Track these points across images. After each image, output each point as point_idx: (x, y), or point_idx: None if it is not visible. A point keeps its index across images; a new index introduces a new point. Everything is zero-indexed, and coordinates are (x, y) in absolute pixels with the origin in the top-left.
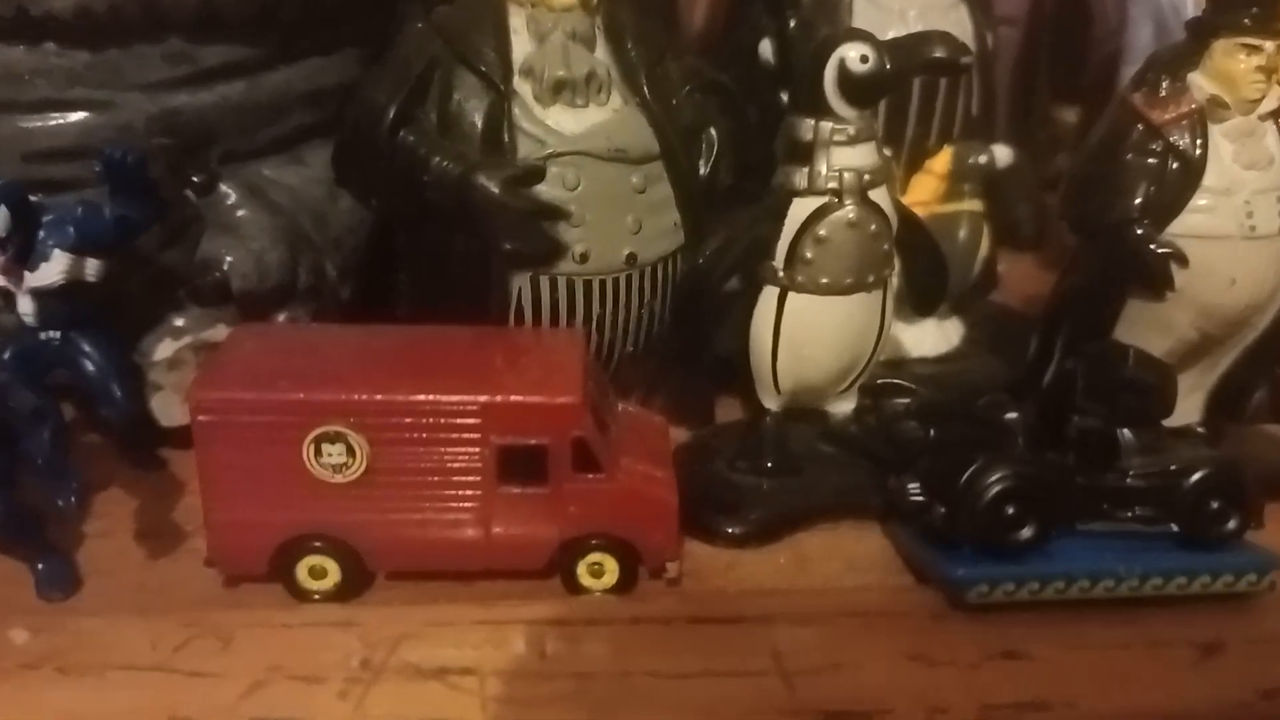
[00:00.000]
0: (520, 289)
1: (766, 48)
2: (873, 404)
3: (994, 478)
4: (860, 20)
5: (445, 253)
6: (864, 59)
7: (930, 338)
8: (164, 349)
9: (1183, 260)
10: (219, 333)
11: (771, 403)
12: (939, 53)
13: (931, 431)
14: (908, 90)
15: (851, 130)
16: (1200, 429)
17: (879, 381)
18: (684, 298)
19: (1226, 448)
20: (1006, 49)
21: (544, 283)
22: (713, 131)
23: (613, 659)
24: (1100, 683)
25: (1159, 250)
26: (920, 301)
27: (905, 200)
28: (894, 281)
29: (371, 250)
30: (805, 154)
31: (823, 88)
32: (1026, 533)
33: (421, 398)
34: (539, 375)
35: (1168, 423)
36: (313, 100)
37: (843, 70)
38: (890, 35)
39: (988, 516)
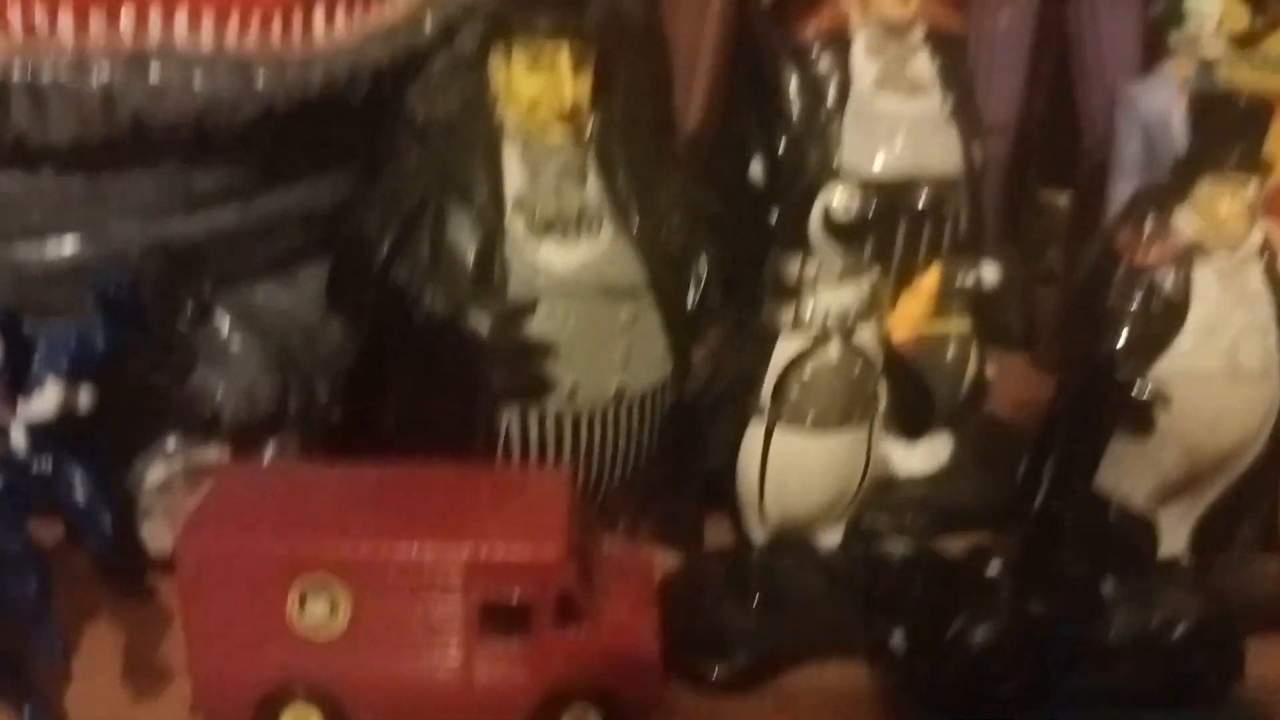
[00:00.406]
0: (508, 424)
1: (756, 168)
2: (861, 547)
3: (978, 634)
4: (849, 141)
5: (433, 385)
6: (848, 205)
7: (919, 456)
8: (155, 473)
9: (1166, 402)
10: (210, 456)
11: (759, 535)
12: (921, 204)
13: (911, 587)
14: (896, 214)
15: (837, 270)
16: (1187, 561)
17: (866, 527)
18: (671, 429)
19: (1216, 579)
20: (995, 156)
21: (532, 418)
22: (702, 259)
23: None
24: None
25: (1142, 393)
26: (907, 431)
27: (892, 320)
28: (879, 414)
29: (364, 369)
30: (790, 292)
31: (808, 229)
32: (1009, 690)
33: (405, 553)
34: (524, 525)
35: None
36: (306, 221)
37: (828, 214)
38: (879, 157)
39: (971, 674)
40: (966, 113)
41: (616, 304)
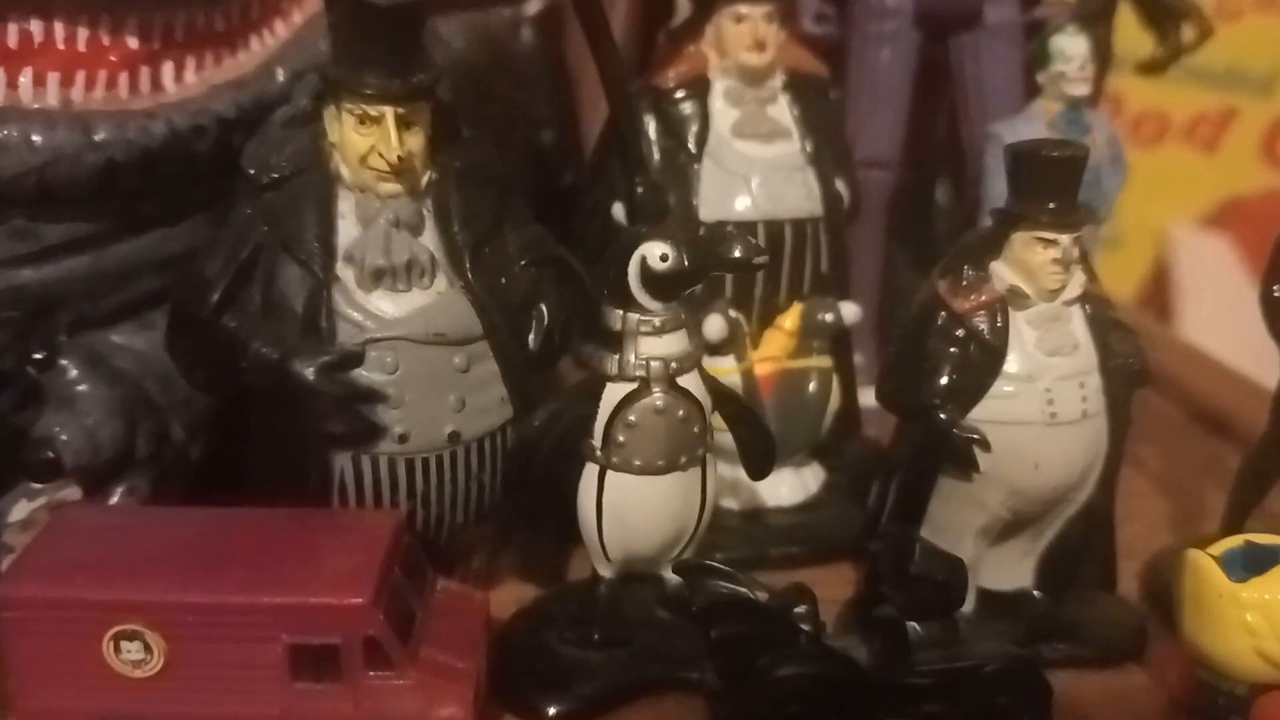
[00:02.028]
0: (342, 469)
1: (619, 210)
2: (687, 587)
3: (777, 676)
4: (707, 185)
5: (269, 431)
6: (664, 257)
7: (786, 486)
8: (18, 511)
9: (985, 445)
10: (74, 493)
11: (605, 570)
12: (736, 253)
13: (713, 632)
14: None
15: (657, 321)
16: (1036, 593)
17: (688, 562)
18: (512, 469)
19: (1069, 611)
20: (878, 191)
21: (365, 462)
22: (543, 306)
23: None
24: None
25: (961, 434)
26: (751, 468)
27: (756, 356)
28: (713, 456)
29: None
30: (615, 342)
31: (627, 282)
32: None
33: (211, 599)
34: (336, 570)
35: (1006, 585)
36: (161, 266)
37: (644, 267)
38: (737, 200)
39: (772, 711)
40: (828, 154)
41: (448, 351)
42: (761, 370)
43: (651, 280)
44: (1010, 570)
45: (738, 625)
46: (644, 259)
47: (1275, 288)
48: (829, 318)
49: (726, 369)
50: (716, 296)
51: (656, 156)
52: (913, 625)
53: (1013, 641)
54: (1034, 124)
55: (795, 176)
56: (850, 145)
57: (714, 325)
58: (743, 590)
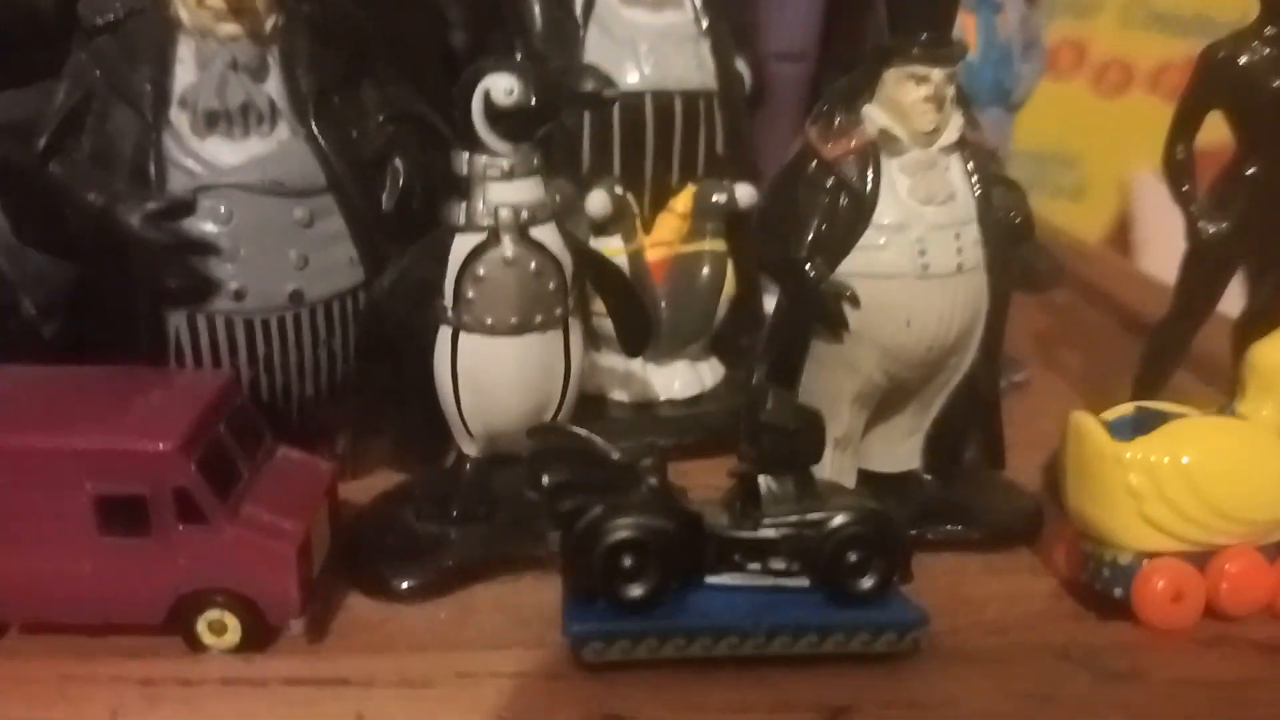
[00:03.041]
0: (177, 329)
1: None
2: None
3: (610, 527)
4: (592, 52)
5: (101, 290)
6: (509, 91)
7: (680, 379)
8: None
9: (854, 300)
10: None
11: (469, 447)
12: (586, 86)
13: (545, 478)
14: (642, 129)
15: (505, 165)
16: (926, 475)
17: (540, 425)
18: (363, 335)
19: (958, 493)
20: (792, 85)
21: (201, 322)
22: (398, 162)
23: None
24: None
25: (829, 289)
26: (625, 341)
27: (649, 241)
28: (577, 321)
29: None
30: (463, 189)
31: (472, 120)
32: (639, 588)
33: (13, 443)
34: (148, 419)
35: (893, 466)
36: (10, 133)
37: (489, 102)
38: (626, 68)
39: (602, 568)
40: (725, 30)
41: (288, 203)
42: (653, 256)
43: (498, 117)
44: (896, 451)
45: (573, 472)
46: (488, 93)
47: (1178, 147)
48: (722, 199)
49: (614, 250)
50: (604, 174)
51: (540, 23)
52: (770, 483)
53: (903, 523)
54: None
55: (686, 46)
56: (760, 35)
57: (597, 200)
58: (593, 446)
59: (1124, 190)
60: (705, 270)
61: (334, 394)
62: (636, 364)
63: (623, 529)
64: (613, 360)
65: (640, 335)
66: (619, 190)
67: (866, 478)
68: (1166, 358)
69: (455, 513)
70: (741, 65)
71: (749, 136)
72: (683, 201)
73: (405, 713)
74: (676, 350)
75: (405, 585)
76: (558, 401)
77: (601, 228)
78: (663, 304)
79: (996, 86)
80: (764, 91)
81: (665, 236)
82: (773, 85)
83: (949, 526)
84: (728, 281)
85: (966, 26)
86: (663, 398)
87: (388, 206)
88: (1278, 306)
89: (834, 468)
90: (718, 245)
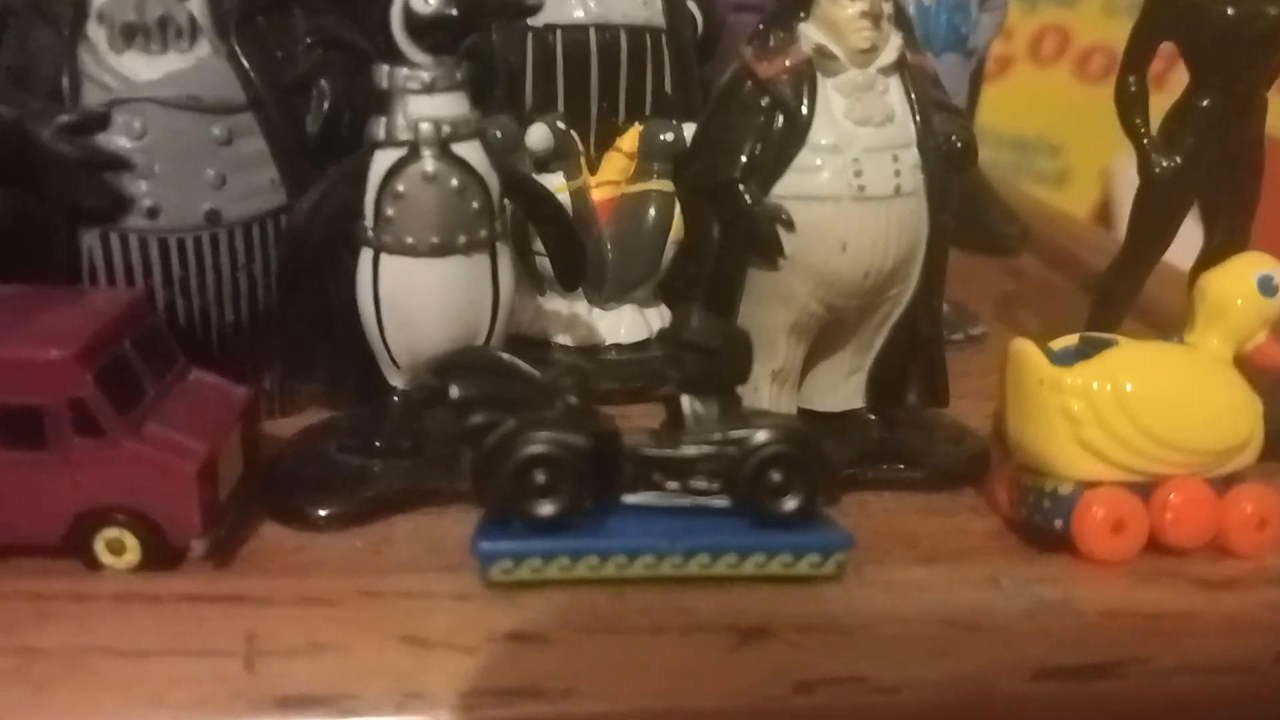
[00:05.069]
0: (91, 248)
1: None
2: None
3: (521, 441)
4: None
5: (16, 208)
6: (429, 0)
7: (626, 324)
8: None
9: (789, 223)
10: None
11: (396, 379)
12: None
13: (454, 390)
14: (587, 63)
15: (426, 77)
16: (870, 415)
17: (464, 349)
18: (285, 260)
19: (901, 434)
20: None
21: (114, 240)
22: (324, 84)
23: (73, 636)
24: (613, 670)
25: (764, 211)
26: (560, 272)
27: (594, 180)
28: (506, 247)
29: None
30: (383, 103)
31: (392, 31)
32: (551, 505)
33: None
34: (48, 331)
35: (835, 405)
36: None
37: (408, 11)
38: (567, 2)
39: (512, 484)
40: None
41: (205, 120)
42: (599, 195)
43: (419, 29)
44: (839, 390)
45: (485, 386)
46: (408, 3)
47: (1130, 79)
48: (670, 138)
49: (557, 187)
50: (548, 110)
51: None
52: (694, 404)
53: (842, 463)
54: None
55: None
56: None
57: (537, 134)
58: (510, 364)
59: (1106, 177)
60: (652, 211)
61: (256, 323)
62: (582, 308)
63: (535, 443)
64: (557, 304)
65: (576, 266)
66: (562, 125)
67: (809, 417)
68: (1118, 300)
69: (379, 445)
70: (693, 5)
71: (699, 77)
72: (629, 140)
73: (300, 631)
74: (623, 293)
75: (322, 513)
76: (486, 331)
77: (544, 164)
78: (608, 245)
79: (953, 32)
80: (721, 42)
81: (611, 176)
82: (732, 36)
83: (889, 466)
84: (675, 223)
85: None
86: (609, 342)
87: (312, 128)
88: (1232, 248)
89: (772, 402)
90: (665, 186)
